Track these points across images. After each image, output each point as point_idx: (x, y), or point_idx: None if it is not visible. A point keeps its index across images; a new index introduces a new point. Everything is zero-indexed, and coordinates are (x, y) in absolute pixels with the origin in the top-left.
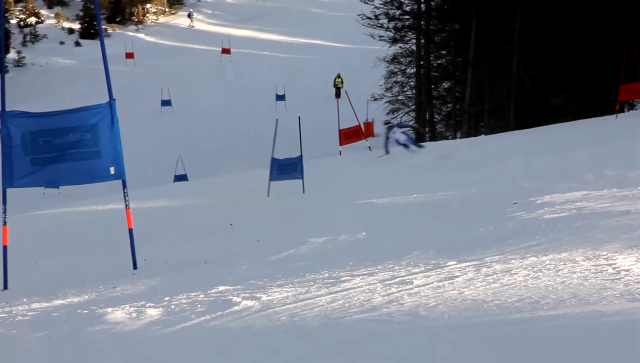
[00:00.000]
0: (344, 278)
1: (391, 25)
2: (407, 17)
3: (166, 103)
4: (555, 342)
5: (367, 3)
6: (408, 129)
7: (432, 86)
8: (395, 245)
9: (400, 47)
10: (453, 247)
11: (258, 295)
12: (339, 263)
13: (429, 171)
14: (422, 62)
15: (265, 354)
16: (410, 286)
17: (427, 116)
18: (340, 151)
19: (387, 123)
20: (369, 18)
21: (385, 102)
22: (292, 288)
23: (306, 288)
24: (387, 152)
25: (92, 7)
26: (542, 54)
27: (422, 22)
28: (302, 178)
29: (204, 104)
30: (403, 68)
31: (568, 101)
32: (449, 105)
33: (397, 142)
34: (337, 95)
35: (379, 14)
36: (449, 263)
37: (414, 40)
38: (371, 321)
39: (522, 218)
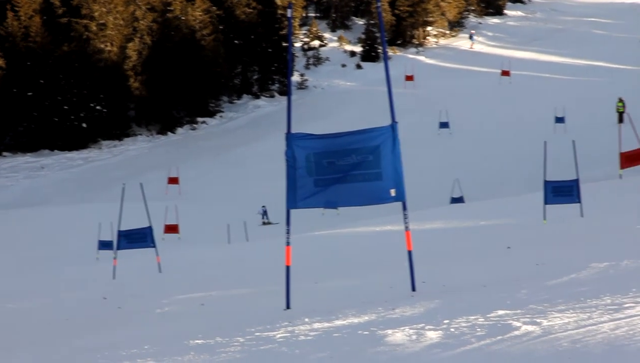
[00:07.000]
0: (627, 305)
1: None
2: None
3: (444, 125)
4: None
5: None
6: None
7: None
8: None
9: None
10: None
11: (539, 320)
12: (622, 289)
13: None
14: None
15: None
16: None
17: None
18: (620, 174)
19: None
20: None
21: None
22: (574, 314)
23: (588, 314)
24: None
25: (375, 30)
26: None
27: None
28: (579, 202)
29: (482, 126)
30: None
31: None
32: None
33: None
34: (620, 120)
35: None
36: None
37: None
38: None
39: None
